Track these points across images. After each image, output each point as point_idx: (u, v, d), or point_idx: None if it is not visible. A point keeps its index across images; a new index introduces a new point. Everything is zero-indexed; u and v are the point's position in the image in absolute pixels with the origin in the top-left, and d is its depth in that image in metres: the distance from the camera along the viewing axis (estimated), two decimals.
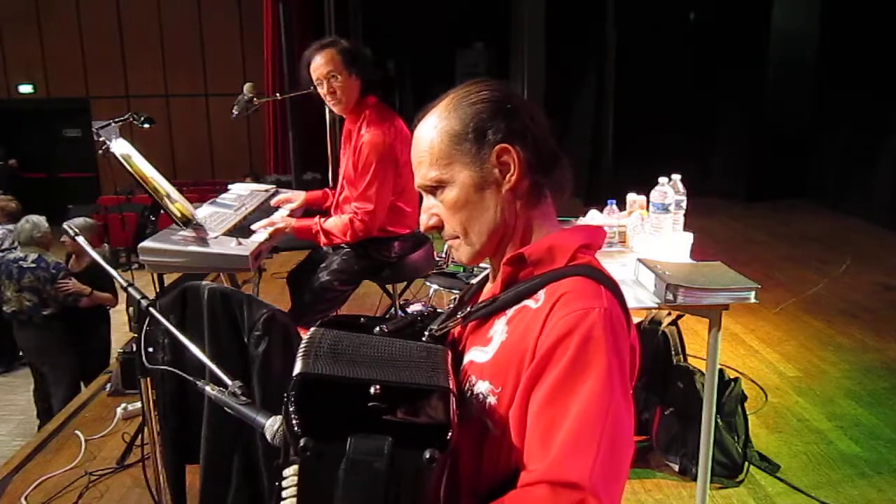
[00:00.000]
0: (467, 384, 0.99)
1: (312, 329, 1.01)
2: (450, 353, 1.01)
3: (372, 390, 0.84)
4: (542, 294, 0.95)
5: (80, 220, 4.41)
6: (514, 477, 0.89)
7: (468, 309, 1.05)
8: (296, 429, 0.81)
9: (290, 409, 0.83)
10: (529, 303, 0.96)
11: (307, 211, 2.99)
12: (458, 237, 1.03)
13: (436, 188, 1.01)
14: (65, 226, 1.82)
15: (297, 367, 0.89)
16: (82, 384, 4.39)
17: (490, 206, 1.00)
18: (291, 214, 2.84)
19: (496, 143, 0.97)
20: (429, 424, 0.85)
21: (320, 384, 0.87)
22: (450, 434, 0.82)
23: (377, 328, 1.05)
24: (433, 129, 1.00)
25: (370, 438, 0.80)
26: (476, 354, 1.01)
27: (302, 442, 0.80)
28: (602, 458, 0.82)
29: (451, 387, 0.89)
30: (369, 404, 0.83)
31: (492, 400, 0.94)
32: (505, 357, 0.95)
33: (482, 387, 0.96)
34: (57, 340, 4.37)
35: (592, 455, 0.82)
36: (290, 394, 0.85)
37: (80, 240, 1.78)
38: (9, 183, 9.18)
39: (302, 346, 0.94)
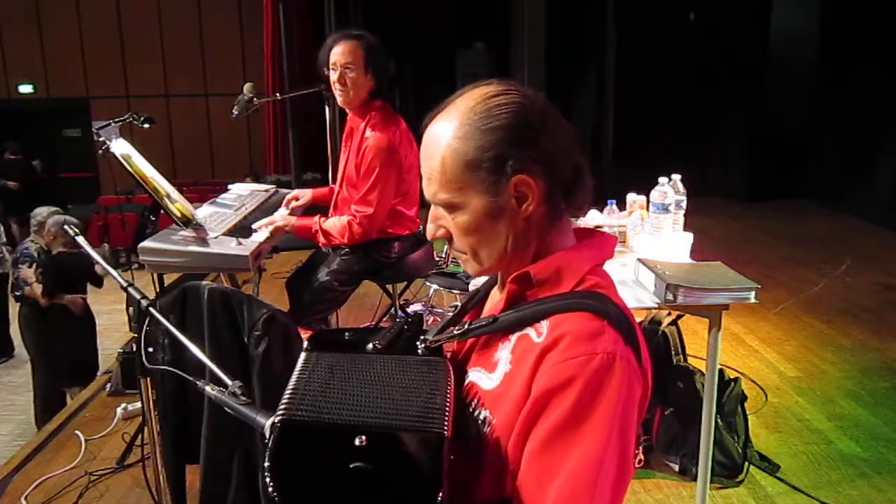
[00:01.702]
0: (471, 406, 0.97)
1: (304, 355, 0.99)
2: (450, 366, 0.98)
3: (357, 441, 0.80)
4: (544, 326, 0.91)
5: (56, 219, 4.40)
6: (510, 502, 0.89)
7: (466, 325, 1.01)
8: (273, 494, 0.79)
9: (267, 470, 0.81)
10: (531, 333, 0.92)
11: (309, 209, 2.99)
12: (466, 254, 0.99)
13: (446, 207, 0.96)
14: (64, 226, 1.83)
15: (279, 411, 0.85)
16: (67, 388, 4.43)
17: (502, 234, 0.95)
18: (293, 213, 2.84)
19: (515, 174, 0.91)
20: (416, 491, 0.81)
21: (300, 432, 0.84)
22: (440, 496, 0.79)
23: (370, 345, 1.02)
24: (446, 147, 0.93)
25: None
26: (481, 378, 0.98)
27: None
28: None
29: (445, 429, 0.83)
30: (352, 465, 0.79)
31: (488, 429, 0.93)
32: (504, 390, 0.92)
33: (483, 413, 0.94)
34: (24, 324, 4.59)
35: None
36: (268, 445, 0.82)
37: (80, 239, 1.78)
38: (24, 176, 9.23)
39: (293, 379, 0.92)
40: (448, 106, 0.97)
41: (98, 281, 4.59)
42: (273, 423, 0.84)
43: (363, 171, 2.57)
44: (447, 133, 0.94)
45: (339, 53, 2.53)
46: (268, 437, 0.84)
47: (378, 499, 0.80)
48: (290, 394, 0.88)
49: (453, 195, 0.94)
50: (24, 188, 9.09)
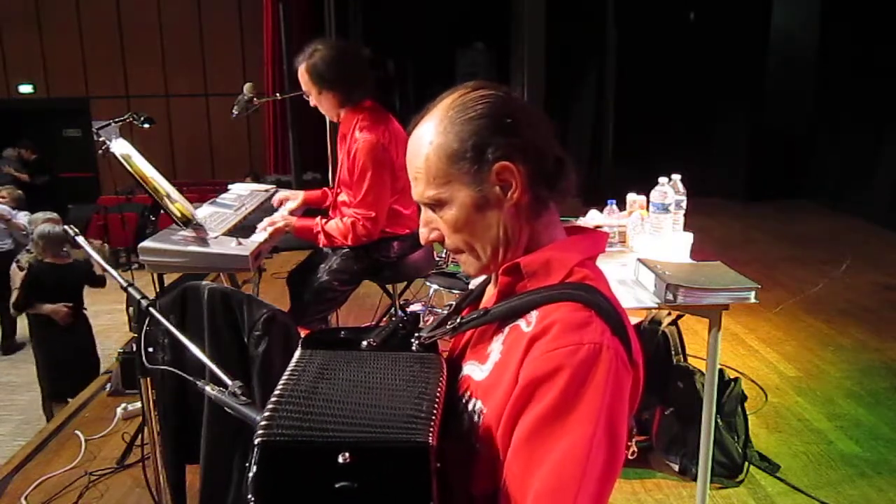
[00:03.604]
0: (464, 399, 0.98)
1: (299, 352, 0.99)
2: (443, 362, 0.99)
3: (341, 459, 0.79)
4: (533, 316, 0.92)
5: (40, 230, 4.29)
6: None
7: (458, 320, 1.02)
8: None
9: (251, 498, 0.80)
10: (521, 324, 0.94)
11: (307, 211, 2.99)
12: (462, 251, 1.01)
13: (434, 206, 0.98)
14: (66, 227, 1.83)
15: (259, 429, 0.84)
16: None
17: (492, 224, 0.97)
18: (292, 214, 2.84)
19: (496, 161, 0.93)
20: (405, 501, 0.81)
21: (282, 453, 0.82)
22: None
23: (364, 342, 1.02)
24: (428, 144, 0.96)
25: None
26: (474, 370, 0.99)
27: None
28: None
29: (430, 437, 0.82)
30: (337, 484, 0.79)
31: (480, 420, 0.93)
32: (495, 380, 0.93)
33: (475, 405, 0.95)
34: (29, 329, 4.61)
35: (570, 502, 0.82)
36: (250, 468, 0.82)
37: (80, 240, 1.78)
38: (42, 174, 9.20)
39: (282, 380, 0.91)
40: (429, 109, 0.99)
41: (98, 281, 4.42)
42: (254, 444, 0.82)
43: (357, 174, 2.58)
44: (429, 132, 0.96)
45: (300, 82, 2.61)
46: (249, 456, 0.83)
47: None
48: (274, 404, 0.86)
49: (440, 190, 0.96)
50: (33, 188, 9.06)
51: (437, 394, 0.90)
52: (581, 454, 0.83)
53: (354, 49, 2.72)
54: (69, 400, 3.93)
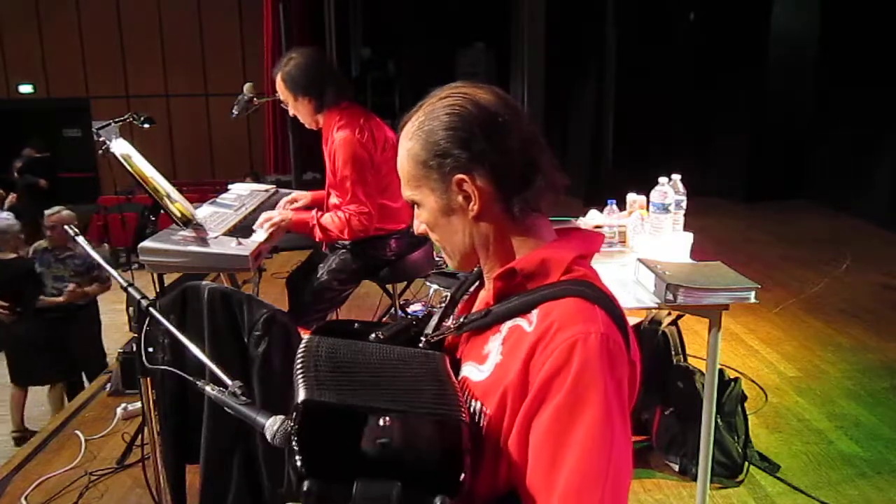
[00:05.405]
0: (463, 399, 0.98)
1: (307, 338, 0.99)
2: (447, 360, 1.00)
3: (381, 422, 0.81)
4: (535, 315, 0.93)
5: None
6: (507, 498, 0.90)
7: (461, 319, 1.03)
8: (300, 467, 0.79)
9: (294, 444, 0.80)
10: (523, 323, 0.94)
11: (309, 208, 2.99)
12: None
13: (413, 204, 1.03)
14: (66, 227, 1.83)
15: (300, 393, 0.84)
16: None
17: (458, 230, 1.00)
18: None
19: (454, 174, 0.95)
20: (440, 468, 0.82)
21: (325, 413, 0.83)
22: (462, 476, 0.80)
23: (373, 335, 1.04)
24: (403, 148, 1.00)
25: (377, 483, 0.77)
26: (472, 371, 0.99)
27: (306, 485, 0.77)
28: (608, 496, 0.83)
29: (462, 415, 0.86)
30: (378, 440, 0.80)
31: (483, 421, 0.93)
32: (497, 381, 0.93)
33: (475, 406, 0.95)
34: None
35: (599, 494, 0.83)
36: (293, 425, 0.82)
37: (80, 239, 1.78)
38: (50, 173, 9.16)
39: (299, 360, 0.92)
40: (414, 110, 1.02)
41: (36, 280, 4.35)
42: (295, 404, 0.84)
43: (339, 174, 2.60)
44: (406, 135, 1.00)
45: (278, 91, 2.64)
46: (292, 416, 0.84)
47: (401, 478, 0.79)
48: (303, 375, 0.88)
49: (413, 192, 1.01)
50: (51, 185, 9.01)
51: (455, 387, 0.93)
52: (601, 446, 0.84)
53: (323, 54, 2.86)
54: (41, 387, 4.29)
